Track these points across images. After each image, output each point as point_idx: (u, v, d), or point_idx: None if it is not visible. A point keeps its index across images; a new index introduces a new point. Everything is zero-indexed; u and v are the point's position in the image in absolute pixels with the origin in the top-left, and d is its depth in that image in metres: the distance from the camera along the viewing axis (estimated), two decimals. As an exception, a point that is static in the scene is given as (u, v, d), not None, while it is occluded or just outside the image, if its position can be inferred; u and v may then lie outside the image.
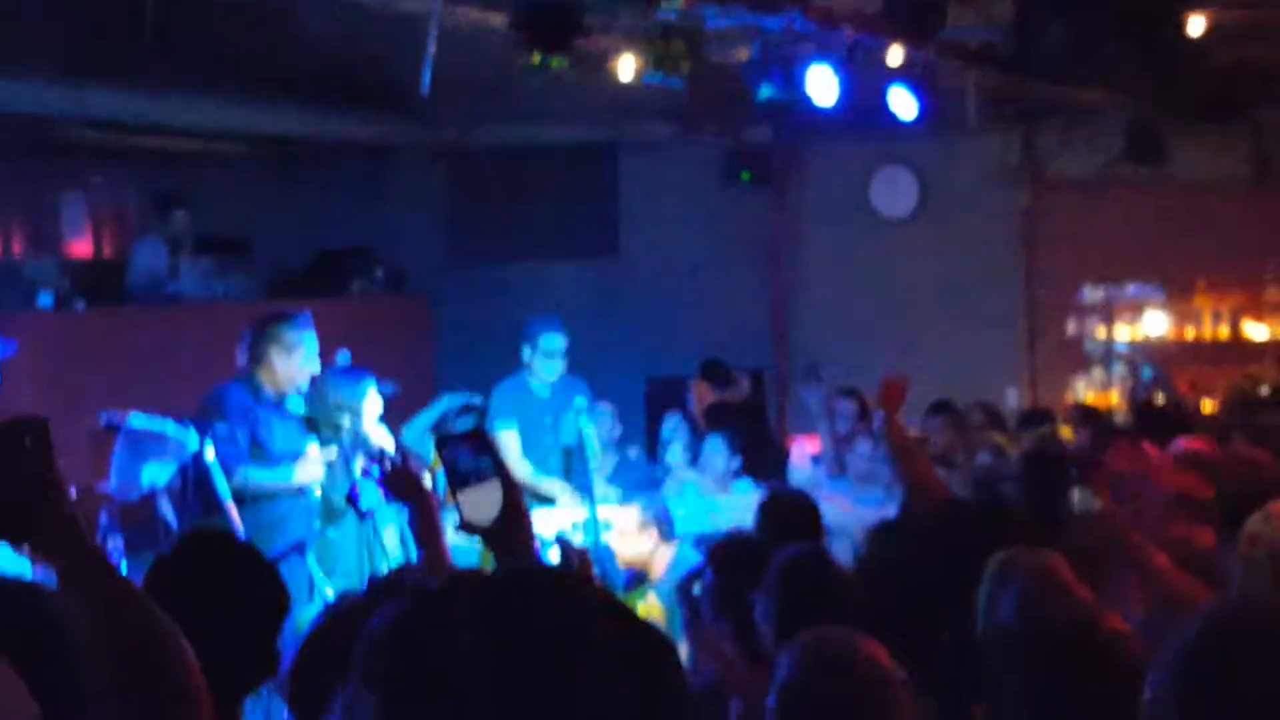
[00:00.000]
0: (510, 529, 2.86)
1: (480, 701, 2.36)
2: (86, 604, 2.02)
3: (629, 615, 2.97)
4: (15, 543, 2.02)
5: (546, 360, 8.07)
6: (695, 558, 7.58)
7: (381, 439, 6.87)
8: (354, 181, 12.24)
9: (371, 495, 5.54)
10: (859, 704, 2.78)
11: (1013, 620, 3.27)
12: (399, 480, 3.59)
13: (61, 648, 3.13)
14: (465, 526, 2.93)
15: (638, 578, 7.09)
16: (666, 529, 7.98)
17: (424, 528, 3.47)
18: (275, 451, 6.72)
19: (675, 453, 8.85)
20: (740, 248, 12.20)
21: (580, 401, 7.86)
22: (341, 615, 3.81)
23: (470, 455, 2.97)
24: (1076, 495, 4.64)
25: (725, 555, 4.47)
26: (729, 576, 4.01)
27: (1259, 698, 1.74)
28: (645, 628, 2.84)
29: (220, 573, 2.79)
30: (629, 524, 7.82)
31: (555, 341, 8.10)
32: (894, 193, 12.04)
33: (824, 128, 11.61)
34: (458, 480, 2.94)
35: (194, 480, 6.13)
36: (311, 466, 6.77)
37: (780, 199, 12.23)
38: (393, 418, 7.65)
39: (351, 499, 5.66)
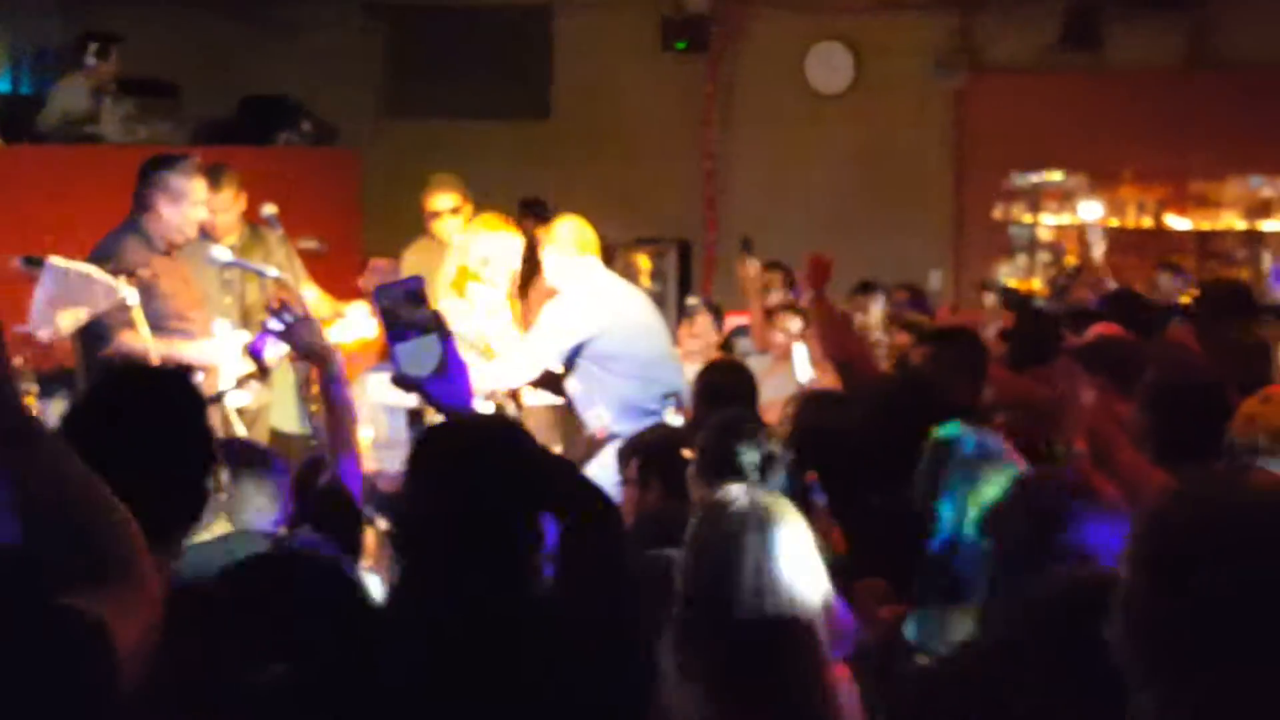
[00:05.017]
0: (449, 382, 2.84)
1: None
2: (28, 472, 1.96)
3: (572, 467, 2.97)
4: None
5: (432, 219, 7.89)
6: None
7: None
8: (286, 33, 12.04)
9: (276, 349, 5.40)
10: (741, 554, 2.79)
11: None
12: (299, 334, 3.49)
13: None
14: (401, 380, 2.91)
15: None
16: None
17: (325, 384, 3.40)
18: (172, 308, 6.53)
19: None
20: (673, 116, 12.12)
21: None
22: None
23: (408, 308, 2.93)
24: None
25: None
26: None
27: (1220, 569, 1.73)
28: (586, 480, 2.85)
29: (153, 405, 2.74)
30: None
31: (435, 201, 7.90)
32: (829, 68, 11.96)
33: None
34: (395, 333, 2.91)
35: (115, 325, 6.03)
36: (209, 346, 6.56)
37: (715, 69, 12.13)
38: (317, 275, 7.57)
39: (253, 352, 5.48)
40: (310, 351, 3.42)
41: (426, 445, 2.60)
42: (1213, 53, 11.09)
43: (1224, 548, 1.69)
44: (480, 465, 2.50)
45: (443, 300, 7.08)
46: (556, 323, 6.70)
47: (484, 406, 6.07)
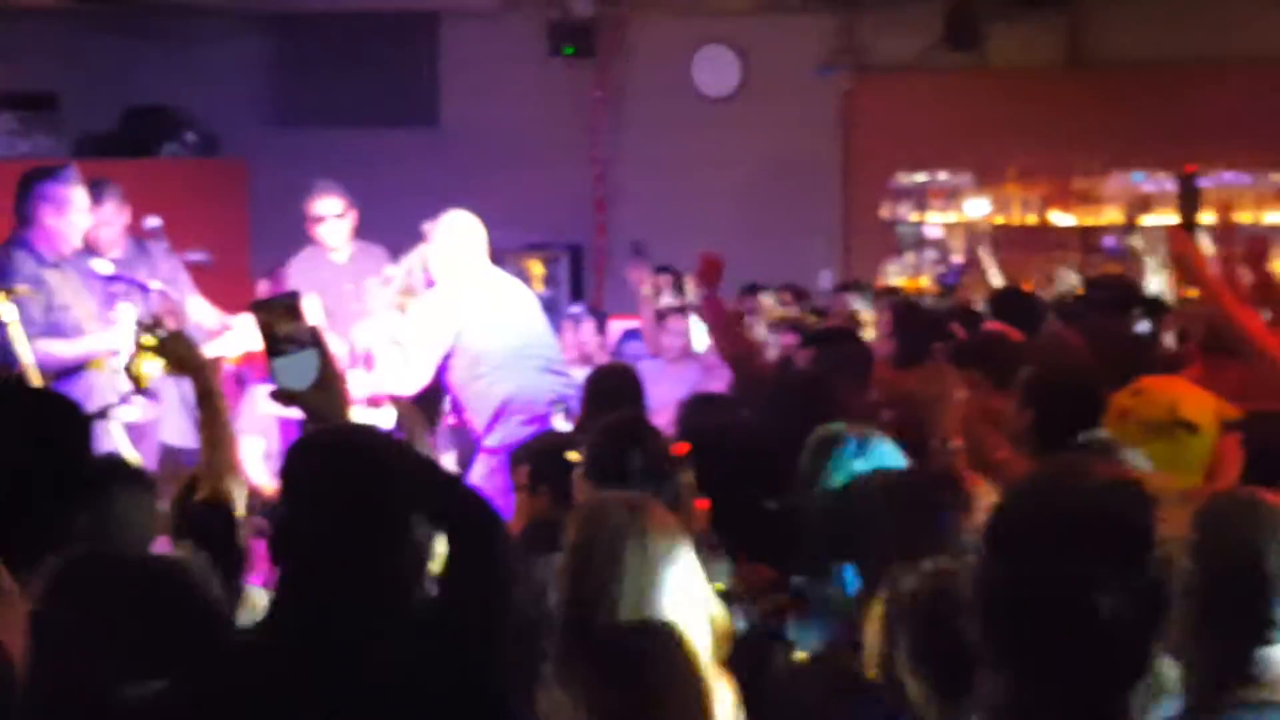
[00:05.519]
0: (326, 396, 2.84)
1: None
2: None
3: (450, 474, 2.98)
4: None
5: (317, 224, 7.85)
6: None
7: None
8: (169, 43, 11.91)
9: (154, 364, 5.33)
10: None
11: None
12: (171, 348, 3.47)
13: None
14: (280, 394, 2.90)
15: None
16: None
17: (201, 398, 3.38)
18: (71, 319, 6.45)
19: None
20: (561, 122, 12.15)
21: (390, 270, 7.73)
22: None
23: (285, 322, 2.93)
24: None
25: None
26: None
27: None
28: (467, 487, 2.86)
29: (24, 426, 2.72)
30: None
31: (319, 206, 7.84)
32: (715, 72, 12.05)
33: (647, 3, 11.59)
34: (273, 347, 2.91)
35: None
36: (111, 335, 6.50)
37: (602, 74, 12.18)
38: (205, 287, 7.51)
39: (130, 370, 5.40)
40: (184, 365, 3.41)
41: (299, 455, 2.61)
42: (1092, 51, 11.30)
43: (1058, 536, 1.76)
44: (352, 474, 2.51)
45: (381, 316, 7.11)
46: (422, 325, 6.73)
47: (385, 416, 6.06)
